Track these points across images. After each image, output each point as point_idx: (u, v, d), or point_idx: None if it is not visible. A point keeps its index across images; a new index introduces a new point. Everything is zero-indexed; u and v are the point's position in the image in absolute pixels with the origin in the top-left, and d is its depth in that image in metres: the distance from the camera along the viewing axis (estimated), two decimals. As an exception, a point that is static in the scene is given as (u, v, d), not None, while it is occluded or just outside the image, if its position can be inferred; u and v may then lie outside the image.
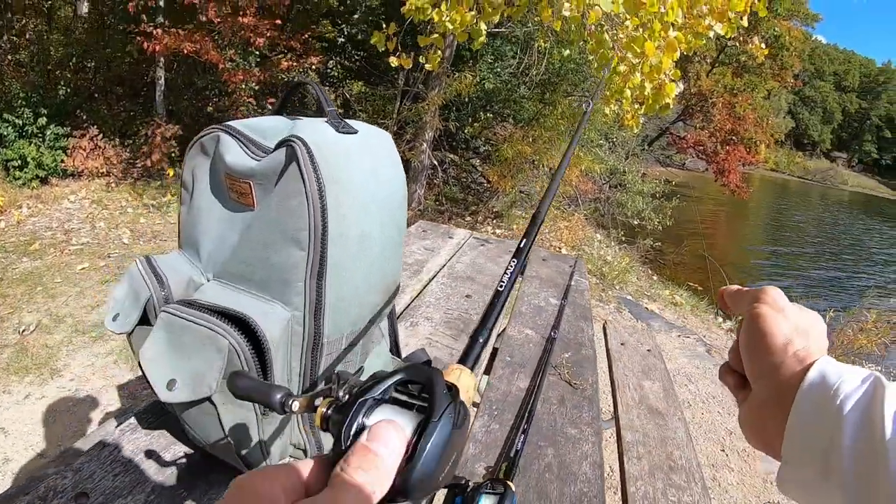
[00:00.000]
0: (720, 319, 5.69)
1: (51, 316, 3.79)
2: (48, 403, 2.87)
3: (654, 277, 7.31)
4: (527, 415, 1.11)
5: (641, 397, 1.62)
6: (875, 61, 75.92)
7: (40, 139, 6.73)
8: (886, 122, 70.20)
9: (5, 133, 6.54)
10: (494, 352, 1.46)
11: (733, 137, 15.66)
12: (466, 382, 0.47)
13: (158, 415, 0.94)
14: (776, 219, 22.59)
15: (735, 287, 0.57)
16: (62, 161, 6.75)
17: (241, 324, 0.74)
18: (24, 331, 3.55)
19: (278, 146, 0.78)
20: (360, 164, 0.80)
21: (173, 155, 7.26)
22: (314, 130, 0.78)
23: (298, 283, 0.77)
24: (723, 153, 15.55)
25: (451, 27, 3.87)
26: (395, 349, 1.11)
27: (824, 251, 16.51)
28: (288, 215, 0.75)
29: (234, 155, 0.83)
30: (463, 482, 0.84)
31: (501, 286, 0.53)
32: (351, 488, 0.32)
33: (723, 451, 3.29)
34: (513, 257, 0.55)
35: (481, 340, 0.49)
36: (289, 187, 0.75)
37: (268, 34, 6.77)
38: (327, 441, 0.90)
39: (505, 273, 0.54)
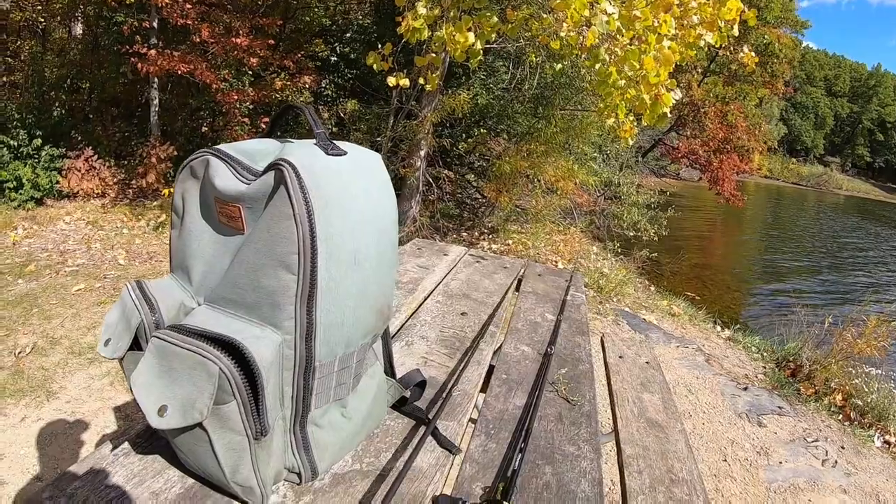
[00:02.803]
0: (718, 328, 5.68)
1: (46, 338, 3.77)
2: (44, 426, 2.85)
3: (652, 288, 7.29)
4: (524, 433, 1.10)
5: (641, 410, 1.60)
6: (865, 65, 76.36)
7: (35, 160, 6.75)
8: (878, 126, 70.60)
9: (0, 154, 6.54)
10: (491, 369, 1.45)
11: (726, 146, 15.71)
12: None
13: (152, 439, 0.93)
14: (773, 225, 22.64)
15: None
16: (57, 182, 6.75)
17: (231, 349, 0.73)
18: (19, 353, 3.52)
19: (267, 169, 0.78)
20: (350, 186, 0.80)
21: (168, 176, 7.28)
22: (303, 153, 0.78)
23: (289, 307, 0.77)
24: (716, 162, 15.60)
25: (451, 48, 3.91)
26: (389, 370, 1.10)
27: (821, 256, 16.53)
28: (277, 239, 0.74)
29: (224, 178, 0.83)
30: (460, 503, 0.84)
31: None
32: None
33: (725, 461, 3.27)
34: None
35: None
36: (277, 211, 0.74)
37: (261, 54, 6.81)
38: (321, 465, 0.89)
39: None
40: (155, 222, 6.50)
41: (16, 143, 6.67)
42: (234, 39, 6.50)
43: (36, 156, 6.77)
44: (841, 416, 4.07)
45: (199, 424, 0.74)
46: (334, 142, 0.84)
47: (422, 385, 1.14)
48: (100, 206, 6.86)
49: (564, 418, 1.24)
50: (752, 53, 5.61)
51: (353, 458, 0.97)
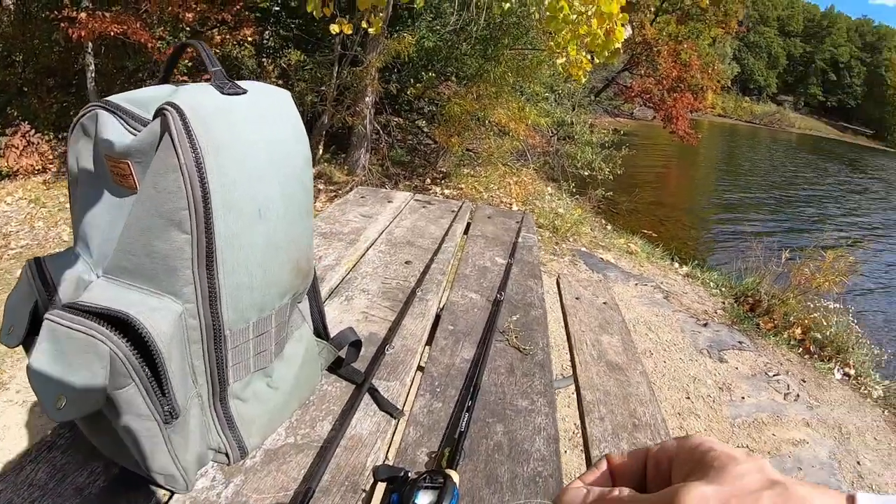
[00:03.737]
0: (676, 265, 5.72)
1: (-9, 327, 3.59)
2: (-6, 418, 2.73)
3: (608, 227, 7.31)
4: (472, 389, 1.04)
5: (600, 353, 1.56)
6: (818, 6, 76.99)
7: (-32, 142, 6.40)
8: (831, 66, 71.40)
9: (-71, 143, 6.20)
10: (437, 321, 1.38)
11: (680, 85, 15.67)
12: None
13: (76, 429, 0.85)
14: (727, 162, 22.87)
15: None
16: (-6, 163, 6.44)
17: (126, 325, 0.65)
18: (-36, 344, 3.35)
19: (154, 117, 0.68)
20: (248, 127, 0.72)
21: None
22: (193, 94, 0.69)
23: (186, 271, 0.68)
24: (670, 100, 15.56)
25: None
26: (322, 331, 1.03)
27: (774, 191, 16.79)
28: (165, 195, 0.65)
29: (112, 133, 0.73)
30: (402, 475, 0.77)
31: None
32: None
33: (688, 398, 3.29)
34: None
35: None
36: (162, 163, 0.65)
37: (196, 8, 6.49)
38: (250, 441, 0.83)
39: None
40: (100, 195, 6.25)
41: (-54, 126, 6.31)
42: (167, -5, 6.20)
43: (-32, 137, 6.42)
44: (801, 349, 4.14)
45: (101, 413, 0.66)
46: (235, 81, 0.75)
47: (356, 344, 1.07)
48: (41, 183, 6.55)
49: (516, 370, 1.18)
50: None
51: (287, 430, 0.90)
